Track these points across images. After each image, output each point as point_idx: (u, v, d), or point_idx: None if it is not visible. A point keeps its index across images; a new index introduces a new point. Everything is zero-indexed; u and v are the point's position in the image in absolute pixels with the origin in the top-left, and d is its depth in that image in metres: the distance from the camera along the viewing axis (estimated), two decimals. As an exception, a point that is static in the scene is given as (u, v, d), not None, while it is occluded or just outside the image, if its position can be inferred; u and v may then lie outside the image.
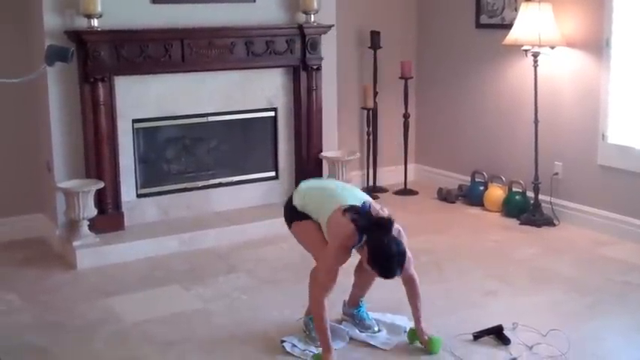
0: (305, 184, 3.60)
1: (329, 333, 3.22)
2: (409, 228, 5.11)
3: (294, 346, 3.41)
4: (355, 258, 3.35)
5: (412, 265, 3.36)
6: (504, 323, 3.53)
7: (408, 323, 3.56)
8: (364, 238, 3.12)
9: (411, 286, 3.41)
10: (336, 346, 3.36)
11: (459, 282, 4.24)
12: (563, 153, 5.22)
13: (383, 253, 3.06)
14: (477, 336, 3.48)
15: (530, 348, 3.37)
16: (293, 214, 3.46)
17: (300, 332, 3.49)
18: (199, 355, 3.38)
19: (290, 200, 3.51)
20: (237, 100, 5.17)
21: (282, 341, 3.44)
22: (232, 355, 3.38)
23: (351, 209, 3.19)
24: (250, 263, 4.55)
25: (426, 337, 3.40)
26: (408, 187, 6.16)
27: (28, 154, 4.99)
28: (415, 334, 3.45)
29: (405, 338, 3.50)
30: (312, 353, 3.33)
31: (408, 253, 3.23)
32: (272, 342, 3.47)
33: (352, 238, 3.14)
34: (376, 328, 3.56)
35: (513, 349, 3.37)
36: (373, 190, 6.06)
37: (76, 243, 4.52)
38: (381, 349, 3.42)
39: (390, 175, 6.24)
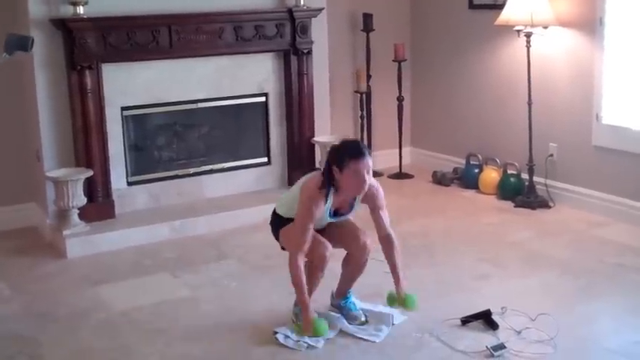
0: (283, 194, 3.59)
1: (305, 290, 3.19)
2: (403, 212, 5.18)
3: (287, 337, 3.34)
4: (340, 253, 3.35)
5: (389, 221, 3.41)
6: (495, 307, 3.50)
7: (396, 312, 3.52)
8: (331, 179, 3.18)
9: (388, 243, 3.41)
10: (329, 335, 3.34)
11: (451, 265, 4.20)
12: (558, 134, 5.16)
13: (341, 145, 3.21)
14: (465, 321, 3.45)
15: (519, 333, 3.33)
16: (278, 224, 3.44)
17: (291, 323, 3.44)
18: (186, 343, 3.36)
19: (274, 212, 3.48)
20: (227, 85, 5.13)
21: (275, 332, 3.37)
22: (219, 344, 3.36)
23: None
24: (241, 250, 4.53)
25: (403, 295, 3.38)
26: (403, 170, 6.11)
27: (20, 143, 4.96)
28: (393, 296, 3.42)
29: (393, 323, 3.47)
30: (306, 344, 3.28)
31: (385, 209, 3.37)
32: (260, 330, 3.44)
33: (317, 184, 3.20)
34: (363, 319, 3.49)
35: (501, 334, 3.34)
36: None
37: (66, 232, 4.51)
38: (370, 341, 3.35)
39: (385, 159, 6.19)
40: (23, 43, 2.35)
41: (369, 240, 3.39)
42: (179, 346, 3.34)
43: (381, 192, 3.35)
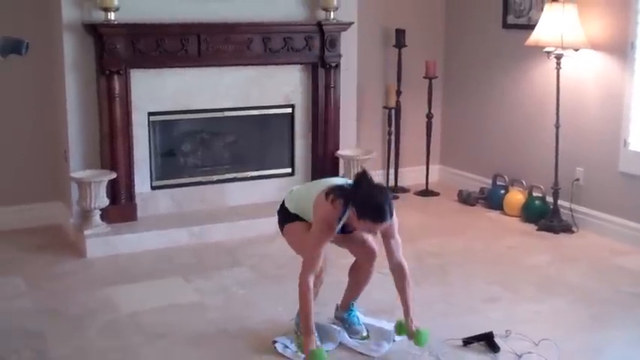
0: (296, 186, 3.60)
1: (311, 316, 3.15)
2: (425, 230, 5.15)
3: (286, 347, 3.34)
4: (348, 259, 3.35)
5: (401, 249, 3.30)
6: (500, 330, 3.45)
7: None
8: (348, 209, 3.08)
9: (399, 273, 3.32)
10: (327, 347, 3.33)
11: (462, 286, 4.16)
12: (585, 158, 5.06)
13: (368, 198, 3.04)
14: (467, 342, 3.41)
15: (520, 357, 3.28)
16: (285, 217, 3.42)
17: (292, 333, 3.45)
18: (187, 348, 3.41)
19: (282, 204, 3.47)
20: (254, 96, 5.18)
21: (274, 342, 3.39)
22: (219, 350, 3.39)
23: (334, 188, 3.17)
24: (256, 258, 4.57)
25: (414, 329, 3.31)
26: (430, 188, 6.07)
27: (50, 143, 5.10)
28: (403, 326, 3.36)
29: (394, 339, 3.45)
30: (303, 356, 3.26)
31: (397, 237, 3.26)
32: (261, 339, 3.46)
33: (334, 211, 3.10)
34: (364, 334, 3.47)
35: (502, 357, 3.29)
36: (394, 190, 6.02)
37: (87, 232, 4.61)
38: (369, 356, 3.34)
39: (413, 176, 6.16)
40: (17, 47, 2.43)
41: (376, 246, 3.37)
42: (179, 350, 3.39)
43: (395, 221, 3.20)
